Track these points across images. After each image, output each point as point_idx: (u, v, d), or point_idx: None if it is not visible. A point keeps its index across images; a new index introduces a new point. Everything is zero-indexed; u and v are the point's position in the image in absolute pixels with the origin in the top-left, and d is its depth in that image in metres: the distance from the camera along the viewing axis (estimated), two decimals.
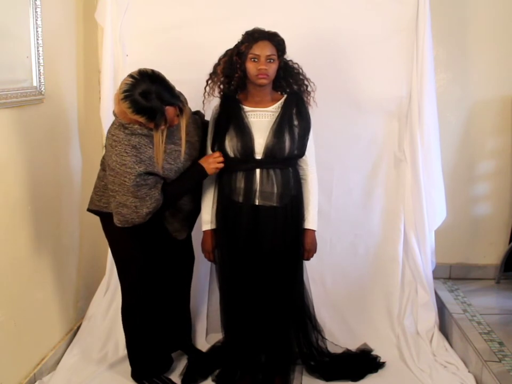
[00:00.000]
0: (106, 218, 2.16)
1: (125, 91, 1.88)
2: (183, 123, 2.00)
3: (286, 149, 2.08)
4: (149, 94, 1.87)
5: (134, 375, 2.36)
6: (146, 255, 2.21)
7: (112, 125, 2.05)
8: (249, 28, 2.10)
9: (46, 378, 2.34)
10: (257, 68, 2.02)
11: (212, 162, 2.10)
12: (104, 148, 2.11)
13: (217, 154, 2.12)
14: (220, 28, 2.55)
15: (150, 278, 2.24)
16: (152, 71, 1.93)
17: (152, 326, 2.31)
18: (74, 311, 2.70)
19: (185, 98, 2.12)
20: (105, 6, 2.57)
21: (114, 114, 2.03)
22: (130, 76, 1.91)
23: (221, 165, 2.11)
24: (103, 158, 2.16)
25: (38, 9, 2.21)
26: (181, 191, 2.12)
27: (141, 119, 1.91)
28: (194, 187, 2.17)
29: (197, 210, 2.26)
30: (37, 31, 2.21)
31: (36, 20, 2.20)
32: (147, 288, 2.25)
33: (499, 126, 3.00)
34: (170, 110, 1.93)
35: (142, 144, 1.97)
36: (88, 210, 2.23)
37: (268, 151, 2.07)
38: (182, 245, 2.35)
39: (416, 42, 2.56)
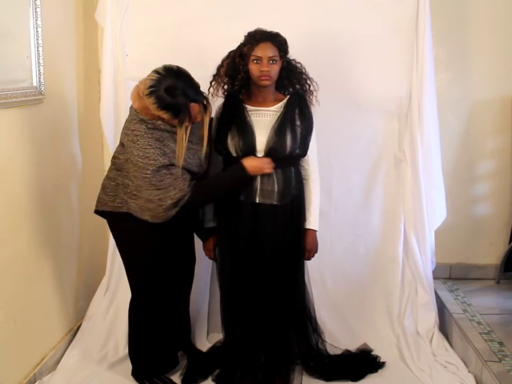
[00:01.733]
0: (116, 219, 2.14)
1: (150, 86, 1.88)
2: (207, 120, 2.01)
3: (287, 147, 2.08)
4: (174, 90, 1.88)
5: (135, 374, 2.36)
6: (155, 255, 2.21)
7: (130, 121, 2.04)
8: (249, 28, 2.10)
9: (46, 378, 2.34)
10: (260, 70, 2.03)
11: (262, 168, 2.06)
12: (121, 145, 2.09)
13: (269, 160, 2.08)
14: (220, 27, 2.55)
15: (157, 277, 2.24)
16: (178, 67, 1.94)
17: (157, 324, 2.31)
18: (74, 311, 2.70)
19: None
20: (105, 6, 2.57)
21: (132, 110, 2.02)
22: (156, 71, 1.91)
23: (270, 170, 2.08)
24: (115, 157, 2.14)
25: (38, 9, 2.21)
26: (214, 190, 2.09)
27: (165, 115, 1.92)
28: (230, 188, 2.11)
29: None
30: (37, 31, 2.21)
31: (36, 20, 2.20)
32: (154, 287, 2.25)
33: (499, 126, 3.00)
34: (194, 107, 1.94)
35: (164, 137, 1.98)
36: (98, 212, 2.20)
37: (269, 149, 2.08)
38: (184, 245, 2.35)
39: (416, 42, 2.56)
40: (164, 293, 2.29)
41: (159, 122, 1.98)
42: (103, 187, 2.19)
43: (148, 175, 1.94)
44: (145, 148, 1.95)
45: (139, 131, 1.97)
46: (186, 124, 1.93)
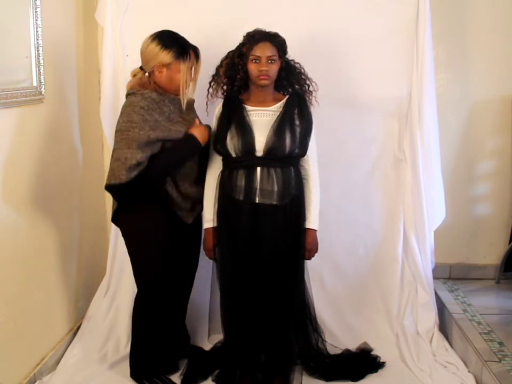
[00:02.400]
0: (124, 211, 2.17)
1: (151, 35, 2.11)
2: (199, 67, 2.16)
3: (286, 147, 2.09)
4: (174, 35, 2.12)
5: (134, 375, 2.36)
6: (163, 246, 2.22)
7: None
8: (249, 28, 2.11)
9: (46, 378, 2.34)
10: (259, 69, 2.04)
11: (201, 131, 2.16)
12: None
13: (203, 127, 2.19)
14: (219, 28, 2.55)
15: (164, 269, 2.25)
16: None
17: (161, 321, 2.31)
18: (74, 311, 2.70)
19: None
20: (105, 6, 2.57)
21: (127, 95, 2.13)
22: (151, 34, 2.12)
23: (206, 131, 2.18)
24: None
25: (38, 9, 2.21)
26: (172, 159, 2.14)
27: (168, 56, 2.07)
28: (185, 160, 2.18)
29: (202, 193, 2.27)
30: (37, 31, 2.21)
31: (36, 20, 2.20)
32: (161, 280, 2.25)
33: (499, 126, 3.00)
34: (191, 52, 2.10)
35: (150, 108, 2.06)
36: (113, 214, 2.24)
37: (268, 149, 2.08)
38: (191, 238, 2.35)
39: (416, 42, 2.56)
40: (169, 287, 2.28)
41: (147, 91, 2.08)
42: None
43: (129, 135, 2.01)
44: (129, 114, 2.04)
45: (128, 101, 2.09)
46: (190, 63, 2.08)
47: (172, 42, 2.09)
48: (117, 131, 2.06)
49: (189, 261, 2.40)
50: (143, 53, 2.13)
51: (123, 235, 2.28)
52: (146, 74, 2.18)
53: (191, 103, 2.26)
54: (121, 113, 2.08)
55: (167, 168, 2.13)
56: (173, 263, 2.26)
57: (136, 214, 2.17)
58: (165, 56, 2.07)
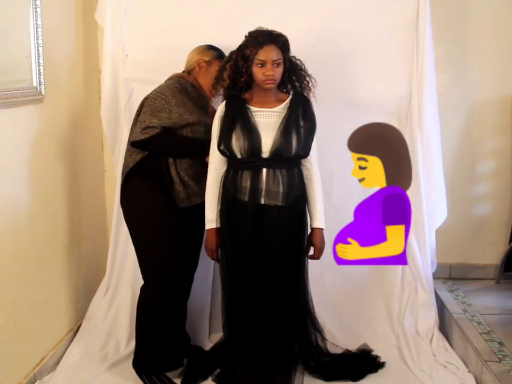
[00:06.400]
0: (131, 196, 2.24)
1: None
2: None
3: (292, 149, 2.08)
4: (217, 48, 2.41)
5: (136, 365, 2.33)
6: (170, 232, 2.24)
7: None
8: (250, 27, 2.10)
9: (46, 378, 2.34)
10: (264, 74, 2.03)
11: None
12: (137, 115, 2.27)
13: None
14: (219, 28, 2.55)
15: (171, 254, 2.25)
16: None
17: (169, 313, 2.30)
18: (74, 311, 2.70)
19: None
20: (105, 6, 2.57)
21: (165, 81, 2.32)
22: None
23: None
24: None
25: (38, 9, 2.21)
26: (179, 147, 2.26)
27: (209, 55, 2.33)
28: (188, 155, 2.26)
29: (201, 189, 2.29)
30: (37, 31, 2.21)
31: (36, 20, 2.20)
32: (170, 268, 2.25)
33: (499, 126, 3.00)
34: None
35: (181, 91, 2.26)
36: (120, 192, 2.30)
37: (275, 151, 2.07)
38: (198, 231, 2.36)
39: (416, 42, 2.56)
40: (175, 273, 2.27)
41: (184, 80, 2.29)
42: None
43: (154, 104, 2.19)
44: (163, 88, 2.24)
45: (163, 83, 2.30)
46: (222, 65, 2.18)
47: (215, 48, 2.37)
48: (146, 98, 2.24)
49: (192, 254, 2.39)
50: (189, 55, 2.37)
51: (127, 221, 2.29)
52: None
53: (213, 112, 2.25)
54: (157, 88, 2.27)
55: (168, 149, 2.24)
56: (177, 249, 2.26)
57: (141, 194, 2.24)
58: (207, 54, 2.33)
